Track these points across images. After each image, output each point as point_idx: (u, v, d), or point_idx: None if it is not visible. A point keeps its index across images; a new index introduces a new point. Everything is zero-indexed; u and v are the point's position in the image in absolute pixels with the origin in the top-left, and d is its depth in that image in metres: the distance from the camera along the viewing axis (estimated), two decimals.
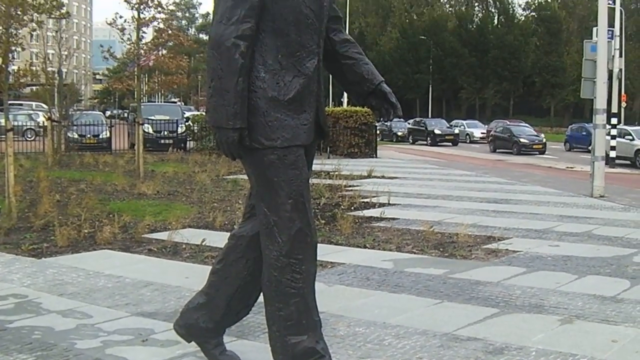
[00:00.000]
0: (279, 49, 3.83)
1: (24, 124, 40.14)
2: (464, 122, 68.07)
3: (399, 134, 62.16)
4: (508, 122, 59.39)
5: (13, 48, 12.38)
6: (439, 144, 54.85)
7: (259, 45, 3.80)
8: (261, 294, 4.19)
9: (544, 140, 46.43)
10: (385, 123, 53.16)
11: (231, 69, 3.65)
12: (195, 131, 30.89)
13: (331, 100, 67.33)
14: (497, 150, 46.08)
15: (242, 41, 3.67)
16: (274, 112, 3.80)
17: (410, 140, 59.56)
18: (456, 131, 59.47)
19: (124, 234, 9.81)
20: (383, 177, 19.82)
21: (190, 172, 19.54)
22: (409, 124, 63.66)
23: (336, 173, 18.73)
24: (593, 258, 8.68)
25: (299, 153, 3.88)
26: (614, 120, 31.76)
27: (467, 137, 62.20)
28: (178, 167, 21.15)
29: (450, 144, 55.39)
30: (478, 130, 63.99)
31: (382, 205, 13.46)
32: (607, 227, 11.43)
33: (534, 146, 44.97)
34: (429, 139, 56.39)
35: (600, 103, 17.41)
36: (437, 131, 56.65)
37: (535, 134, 48.02)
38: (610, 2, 34.59)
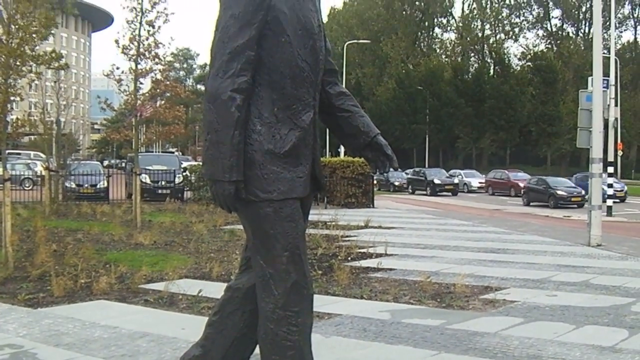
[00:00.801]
0: (275, 102, 3.86)
1: (22, 173, 40.21)
2: (462, 171, 67.87)
3: (396, 183, 61.94)
4: (507, 172, 59.85)
5: (12, 98, 12.43)
6: (439, 193, 54.61)
7: (255, 98, 3.83)
8: (257, 346, 4.18)
9: (583, 192, 42.35)
10: (382, 174, 53.47)
11: (227, 122, 3.67)
12: (193, 181, 30.90)
13: (328, 150, 67.54)
14: (532, 204, 43.43)
15: (239, 94, 3.69)
16: (270, 165, 3.81)
17: (410, 190, 59.38)
18: (455, 181, 59.15)
19: (121, 284, 9.78)
20: (380, 227, 19.81)
21: (188, 222, 19.53)
22: (406, 174, 63.80)
23: (333, 223, 18.75)
24: (591, 308, 8.66)
25: (295, 206, 3.89)
26: (610, 169, 31.85)
27: (465, 186, 61.92)
28: (175, 217, 21.13)
29: (450, 193, 55.24)
30: (476, 180, 63.75)
31: (379, 255, 13.44)
32: (604, 276, 11.41)
33: (573, 199, 41.84)
34: (428, 188, 56.11)
35: (597, 152, 17.47)
36: (436, 181, 56.39)
37: (574, 185, 44.92)
38: (605, 51, 34.89)
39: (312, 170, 4.06)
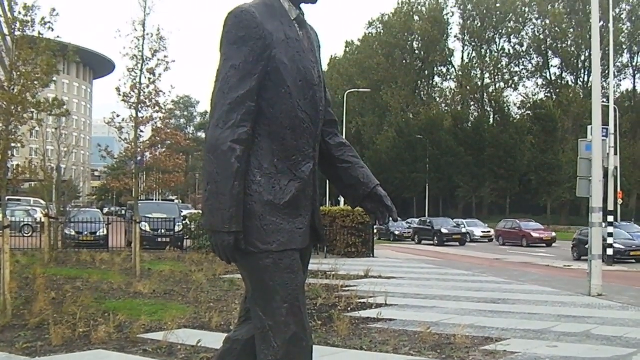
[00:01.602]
0: (275, 153, 3.86)
1: (22, 220, 40.23)
2: (464, 221, 67.02)
3: (397, 233, 61.55)
4: (518, 221, 58.73)
5: (13, 145, 12.47)
6: (446, 243, 53.56)
7: (255, 149, 3.83)
8: None
9: None
10: (382, 225, 52.73)
11: (227, 173, 3.67)
12: (193, 230, 30.92)
13: (328, 199, 67.58)
14: (583, 258, 36.22)
15: (239, 145, 3.70)
16: (270, 216, 3.80)
17: (416, 240, 58.54)
18: (463, 230, 58.07)
19: (119, 333, 9.73)
20: (380, 277, 19.77)
21: (187, 271, 19.49)
22: (407, 223, 63.55)
23: (333, 273, 18.72)
24: (592, 359, 8.61)
25: (295, 257, 3.88)
26: (610, 218, 31.83)
27: (468, 236, 60.05)
28: (175, 266, 21.10)
29: (457, 243, 54.18)
30: (479, 229, 63.02)
31: (379, 305, 13.39)
32: (605, 327, 11.37)
33: (632, 253, 36.79)
34: (435, 238, 55.18)
35: (596, 201, 17.48)
36: (444, 230, 55.43)
37: (631, 237, 39.30)
38: (604, 100, 35.07)
39: (312, 221, 4.04)
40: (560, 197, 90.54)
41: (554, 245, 51.38)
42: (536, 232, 54.54)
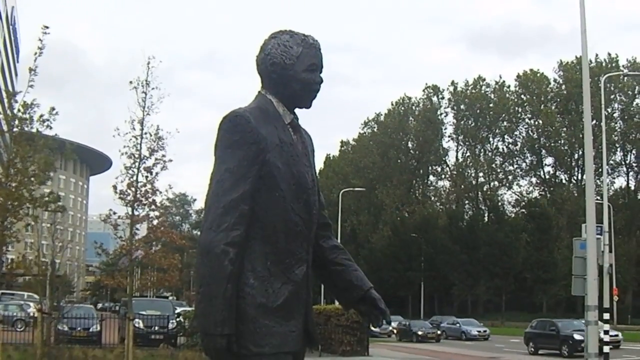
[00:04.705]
0: (268, 256, 3.87)
1: (14, 314, 39.92)
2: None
3: (420, 333, 51.31)
4: None
5: (8, 240, 12.50)
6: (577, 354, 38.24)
7: (248, 252, 3.83)
8: None
9: None
10: (377, 327, 50.41)
11: (220, 276, 3.67)
12: (187, 327, 30.72)
13: (323, 297, 67.20)
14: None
15: (232, 248, 3.71)
16: (263, 319, 3.80)
17: (532, 349, 44.45)
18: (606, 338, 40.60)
19: None
20: None
21: None
22: (432, 322, 59.86)
23: None
24: None
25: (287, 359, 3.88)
26: (606, 316, 31.65)
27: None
28: None
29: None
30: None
31: None
32: None
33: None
34: (565, 347, 41.56)
35: (592, 300, 17.44)
36: (576, 337, 38.99)
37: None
38: (598, 197, 35.23)
39: (305, 323, 4.04)
40: (556, 295, 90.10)
41: None
42: None
